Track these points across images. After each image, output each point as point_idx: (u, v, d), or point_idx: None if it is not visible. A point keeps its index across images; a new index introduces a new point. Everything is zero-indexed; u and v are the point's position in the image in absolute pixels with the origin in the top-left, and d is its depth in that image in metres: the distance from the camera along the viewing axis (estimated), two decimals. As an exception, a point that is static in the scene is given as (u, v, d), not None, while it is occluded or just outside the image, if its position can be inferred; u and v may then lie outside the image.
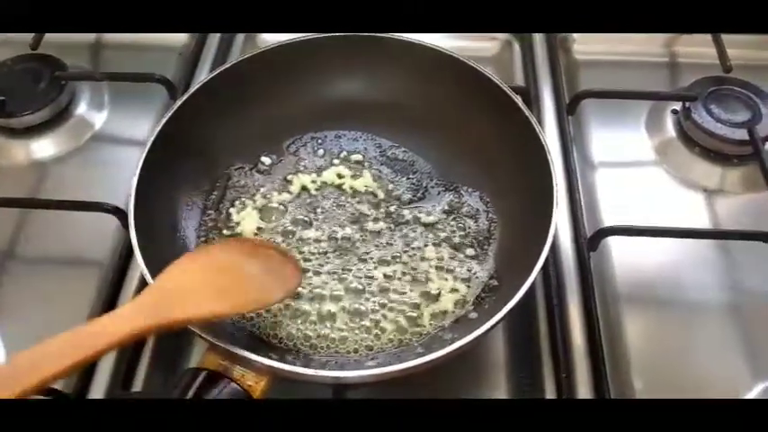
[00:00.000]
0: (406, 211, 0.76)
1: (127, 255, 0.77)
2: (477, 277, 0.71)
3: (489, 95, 0.76)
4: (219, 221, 0.77)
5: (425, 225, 0.75)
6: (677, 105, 0.89)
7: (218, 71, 0.78)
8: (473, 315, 0.68)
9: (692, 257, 0.77)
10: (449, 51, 0.79)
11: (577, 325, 0.71)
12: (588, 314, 0.71)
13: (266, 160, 0.81)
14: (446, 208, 0.76)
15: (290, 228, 0.75)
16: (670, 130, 0.88)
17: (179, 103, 0.75)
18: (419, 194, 0.78)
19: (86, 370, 0.69)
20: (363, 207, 0.77)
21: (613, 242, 0.77)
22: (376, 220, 0.76)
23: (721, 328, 0.72)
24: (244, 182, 0.80)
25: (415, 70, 0.81)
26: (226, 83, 0.78)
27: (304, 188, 0.79)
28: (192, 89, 0.76)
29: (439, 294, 0.70)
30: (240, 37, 1.02)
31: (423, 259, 0.72)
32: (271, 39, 0.98)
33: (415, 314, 0.69)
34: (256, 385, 0.58)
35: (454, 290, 0.70)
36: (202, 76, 0.93)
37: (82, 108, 0.93)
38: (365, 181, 0.79)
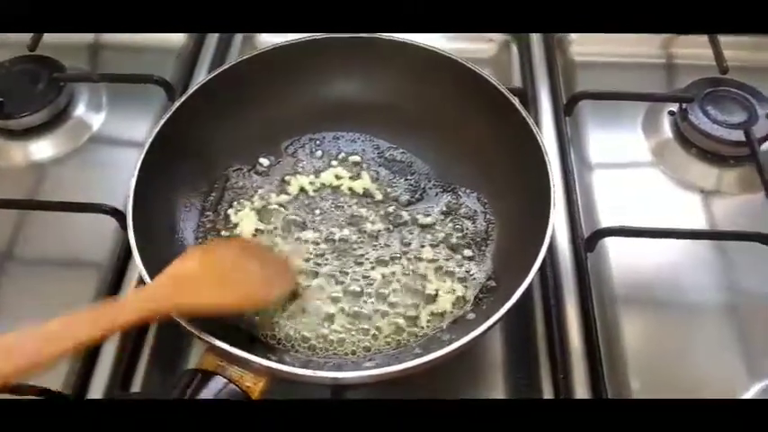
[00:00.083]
0: (404, 213, 0.76)
1: (125, 256, 0.77)
2: (474, 278, 0.71)
3: (487, 97, 0.76)
4: (218, 223, 0.77)
5: (423, 226, 0.75)
6: (674, 107, 0.89)
7: (216, 72, 0.78)
8: (471, 316, 0.68)
9: (688, 258, 0.77)
10: (447, 53, 0.79)
11: (574, 325, 0.71)
12: (585, 315, 0.72)
13: (264, 162, 0.81)
14: (444, 209, 0.77)
15: (288, 229, 0.75)
16: (667, 131, 0.89)
17: (177, 104, 0.75)
18: (417, 196, 0.78)
19: (85, 370, 0.69)
20: (361, 208, 0.77)
21: (610, 243, 0.77)
22: (374, 221, 0.76)
23: (718, 329, 0.73)
24: (242, 183, 0.80)
25: (413, 71, 0.81)
26: (224, 84, 0.78)
27: (302, 189, 0.79)
28: (191, 90, 0.76)
29: (437, 295, 0.70)
30: (238, 38, 1.02)
31: (421, 260, 0.72)
32: (269, 40, 0.98)
33: (412, 315, 0.69)
34: (255, 386, 0.58)
35: (452, 291, 0.70)
36: (200, 77, 0.93)
37: (80, 109, 0.93)
38: (363, 182, 0.79)
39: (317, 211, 0.77)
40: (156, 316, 0.58)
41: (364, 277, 0.71)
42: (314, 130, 0.84)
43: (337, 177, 0.80)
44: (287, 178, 0.80)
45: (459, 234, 0.74)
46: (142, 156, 0.70)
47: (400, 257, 0.73)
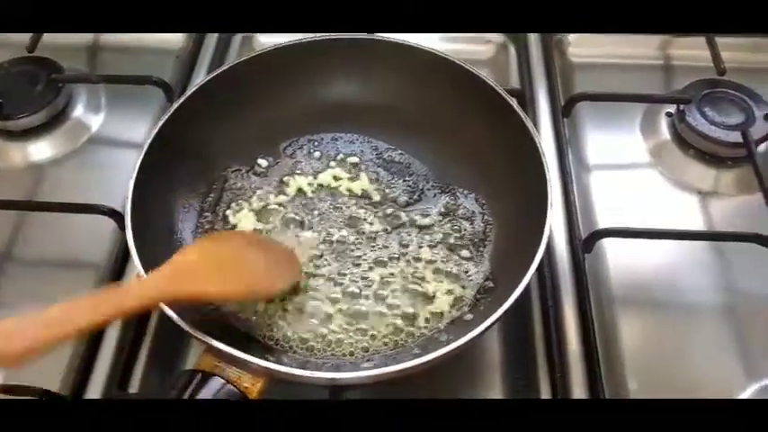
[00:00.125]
0: (402, 214, 0.76)
1: (123, 257, 0.77)
2: (472, 279, 0.71)
3: (485, 98, 0.76)
4: (216, 223, 0.77)
5: (421, 227, 0.75)
6: (672, 108, 0.90)
7: (214, 74, 0.78)
8: (469, 316, 0.68)
9: (686, 259, 0.78)
10: (444, 54, 0.79)
11: (572, 326, 0.71)
12: (583, 315, 0.72)
13: (263, 162, 0.81)
14: (442, 210, 0.77)
15: (286, 230, 0.76)
16: (664, 132, 0.89)
17: (176, 105, 0.75)
18: (415, 197, 0.78)
19: (83, 370, 0.69)
20: (360, 209, 0.77)
21: (608, 244, 0.78)
22: (372, 222, 0.76)
23: (715, 330, 0.73)
24: (240, 184, 0.80)
25: (411, 73, 0.81)
26: (222, 85, 0.78)
27: (300, 190, 0.79)
28: (189, 92, 0.76)
29: (434, 296, 0.70)
30: (237, 39, 1.02)
31: (419, 261, 0.73)
32: (267, 41, 0.99)
33: (410, 315, 0.69)
34: (253, 387, 0.58)
35: (450, 291, 0.70)
36: (199, 78, 0.94)
37: (79, 110, 0.93)
38: (361, 183, 0.79)
39: (316, 212, 0.77)
40: (158, 303, 0.58)
41: (362, 278, 0.71)
42: (312, 132, 0.84)
43: (336, 178, 0.80)
44: (285, 179, 0.80)
45: (458, 235, 0.75)
46: (141, 157, 0.70)
47: (398, 258, 0.73)
